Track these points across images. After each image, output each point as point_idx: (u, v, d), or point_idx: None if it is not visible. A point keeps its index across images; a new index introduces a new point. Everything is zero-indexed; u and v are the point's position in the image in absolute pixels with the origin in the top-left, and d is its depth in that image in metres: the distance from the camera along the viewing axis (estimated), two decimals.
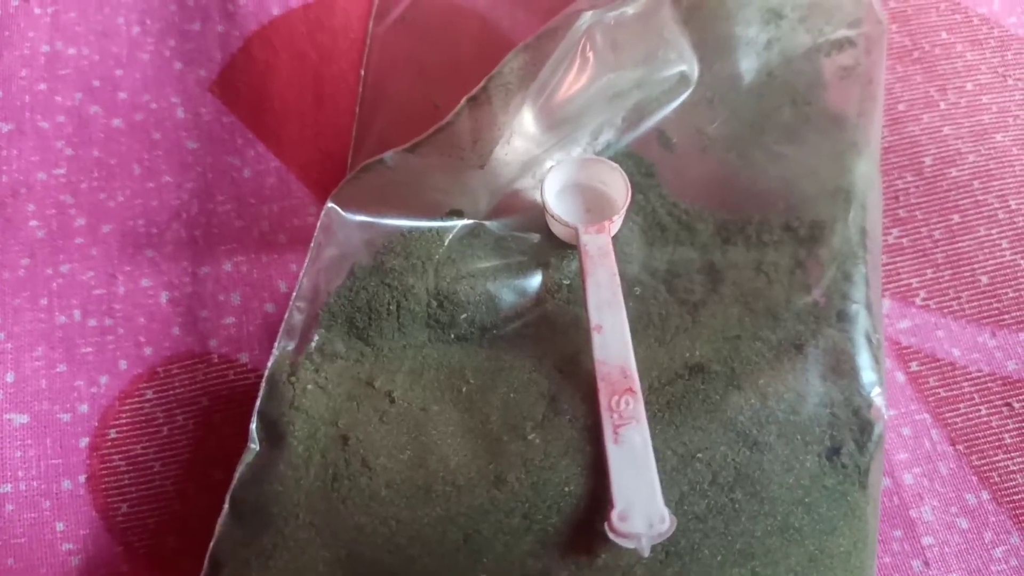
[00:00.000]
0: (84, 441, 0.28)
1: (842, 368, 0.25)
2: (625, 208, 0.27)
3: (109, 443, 0.28)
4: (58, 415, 0.28)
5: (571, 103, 0.27)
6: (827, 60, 0.29)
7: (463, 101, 0.26)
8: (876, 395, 0.25)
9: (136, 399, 0.28)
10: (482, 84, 0.26)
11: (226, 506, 0.24)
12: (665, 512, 0.22)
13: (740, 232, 0.27)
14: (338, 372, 0.25)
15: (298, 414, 0.25)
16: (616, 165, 0.27)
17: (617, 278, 0.25)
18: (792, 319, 0.26)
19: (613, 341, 0.24)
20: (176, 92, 0.32)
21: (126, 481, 0.27)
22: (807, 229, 0.27)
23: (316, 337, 0.26)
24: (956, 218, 0.31)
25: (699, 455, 0.24)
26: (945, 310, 0.30)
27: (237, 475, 0.24)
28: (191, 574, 0.24)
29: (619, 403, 0.24)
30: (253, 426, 0.25)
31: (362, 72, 0.32)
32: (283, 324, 0.26)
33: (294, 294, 0.26)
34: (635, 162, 0.29)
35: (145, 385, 0.28)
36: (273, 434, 0.25)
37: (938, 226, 0.31)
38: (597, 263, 0.26)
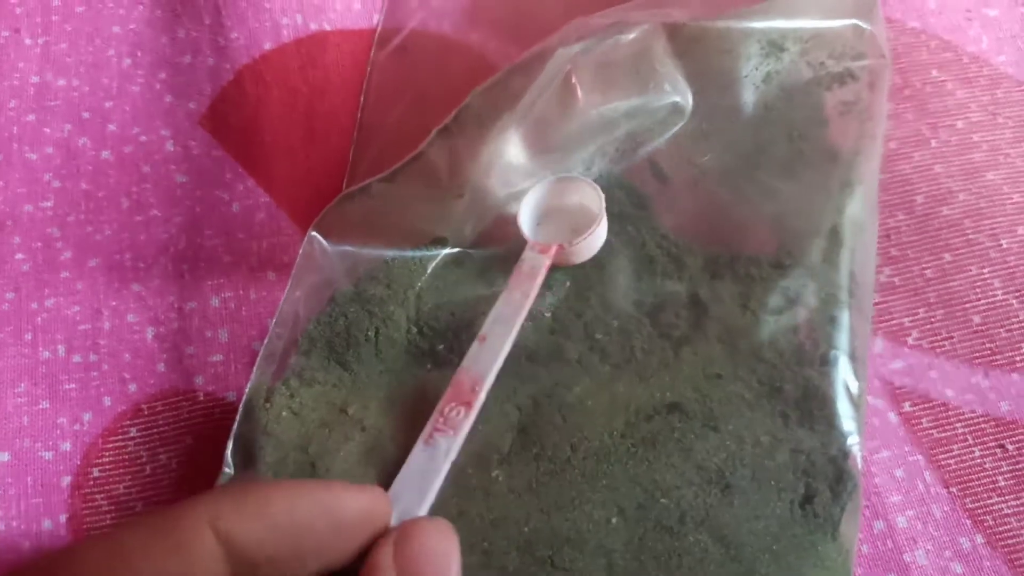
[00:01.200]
0: (66, 480, 0.27)
1: (821, 414, 0.25)
2: (594, 229, 0.27)
3: (92, 482, 0.27)
4: (40, 453, 0.27)
5: (558, 132, 0.27)
6: (828, 94, 0.29)
7: (434, 132, 0.26)
8: (854, 445, 0.24)
9: (120, 437, 0.28)
10: (453, 114, 0.26)
11: None
12: None
13: (729, 267, 0.27)
14: (313, 398, 0.25)
15: (269, 440, 0.25)
16: (592, 183, 0.27)
17: (528, 303, 0.26)
18: (775, 360, 0.25)
19: (487, 355, 0.24)
20: (166, 125, 0.32)
21: (108, 521, 0.27)
22: (797, 268, 0.27)
23: (293, 363, 0.26)
24: (948, 257, 0.31)
25: (669, 493, 0.23)
26: (938, 350, 0.30)
27: None
28: None
29: (452, 410, 0.24)
30: (228, 450, 0.25)
31: (362, 98, 0.32)
32: (262, 350, 0.26)
33: (273, 320, 0.26)
34: (628, 192, 0.29)
35: (129, 422, 0.28)
36: (247, 458, 0.25)
37: (930, 265, 0.31)
38: (522, 280, 0.26)
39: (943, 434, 0.28)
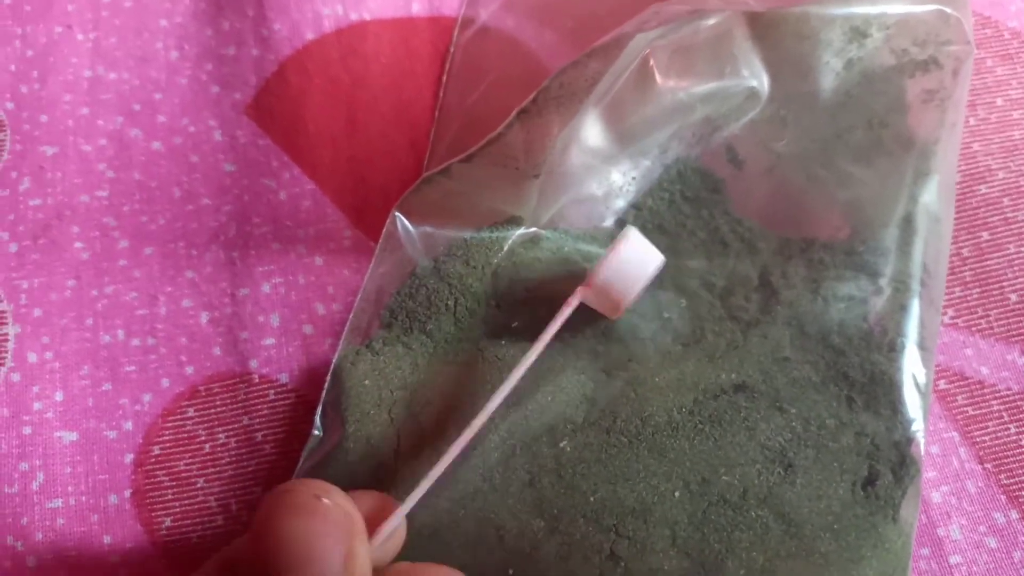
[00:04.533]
0: (129, 457, 0.29)
1: (886, 400, 0.25)
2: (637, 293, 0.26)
3: (153, 459, 0.29)
4: (104, 432, 0.29)
5: (635, 115, 0.28)
6: (910, 81, 0.29)
7: (513, 113, 0.27)
8: (918, 432, 0.25)
9: (178, 417, 0.29)
10: (532, 96, 0.27)
11: None
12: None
13: (801, 253, 0.28)
14: (395, 362, 0.27)
15: (352, 401, 0.26)
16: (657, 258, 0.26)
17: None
18: (843, 346, 0.26)
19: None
20: (213, 115, 0.33)
21: (169, 496, 0.28)
22: (870, 255, 0.27)
23: (377, 334, 0.28)
24: (985, 236, 0.31)
25: (732, 470, 0.24)
26: (974, 328, 0.30)
27: (301, 460, 0.27)
28: None
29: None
30: (318, 415, 0.27)
31: (444, 79, 0.33)
32: (348, 323, 0.29)
33: (359, 296, 0.29)
34: (703, 177, 0.29)
35: (187, 403, 0.29)
36: (334, 422, 0.27)
37: (967, 244, 0.31)
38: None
39: (978, 411, 0.29)
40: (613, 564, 0.24)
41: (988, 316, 0.30)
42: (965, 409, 0.29)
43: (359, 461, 0.26)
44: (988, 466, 0.28)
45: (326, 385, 0.28)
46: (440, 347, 0.27)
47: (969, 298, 0.30)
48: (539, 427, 0.25)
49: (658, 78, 0.27)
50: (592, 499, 0.24)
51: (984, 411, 0.29)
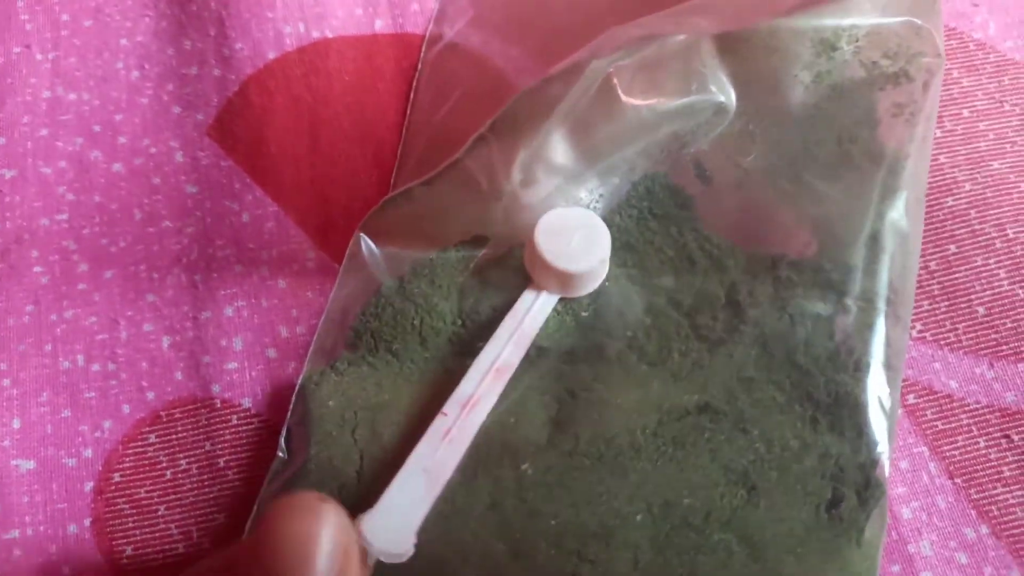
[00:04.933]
0: (89, 485, 0.28)
1: (851, 421, 0.25)
2: (596, 285, 0.27)
3: (113, 487, 0.28)
4: (63, 460, 0.28)
5: (600, 134, 0.28)
6: (881, 94, 0.29)
7: (471, 139, 0.27)
8: (882, 454, 0.25)
9: (139, 443, 0.29)
10: (489, 123, 0.26)
11: (254, 509, 0.26)
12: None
13: (770, 271, 0.27)
14: (360, 383, 0.27)
15: (317, 426, 0.26)
16: (604, 230, 0.26)
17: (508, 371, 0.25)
18: (808, 365, 0.26)
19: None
20: (175, 136, 0.32)
21: (130, 524, 0.28)
22: (837, 273, 0.27)
23: (342, 355, 0.27)
24: (952, 248, 0.31)
25: (695, 493, 0.24)
26: (942, 341, 0.30)
27: (266, 482, 0.27)
28: None
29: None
30: (282, 437, 0.27)
31: (411, 96, 0.33)
32: (313, 344, 0.28)
33: (323, 317, 0.29)
34: (672, 193, 0.29)
35: (148, 429, 0.29)
36: (299, 445, 0.26)
37: (934, 257, 0.31)
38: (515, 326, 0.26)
39: (947, 425, 0.29)
40: None
41: (956, 329, 0.30)
42: (934, 423, 0.29)
43: (322, 483, 0.25)
44: (958, 481, 0.28)
45: (291, 406, 0.27)
46: (406, 367, 0.27)
47: (937, 312, 0.30)
48: (501, 449, 0.25)
49: (622, 97, 0.27)
50: (554, 522, 0.24)
51: (953, 425, 0.29)
